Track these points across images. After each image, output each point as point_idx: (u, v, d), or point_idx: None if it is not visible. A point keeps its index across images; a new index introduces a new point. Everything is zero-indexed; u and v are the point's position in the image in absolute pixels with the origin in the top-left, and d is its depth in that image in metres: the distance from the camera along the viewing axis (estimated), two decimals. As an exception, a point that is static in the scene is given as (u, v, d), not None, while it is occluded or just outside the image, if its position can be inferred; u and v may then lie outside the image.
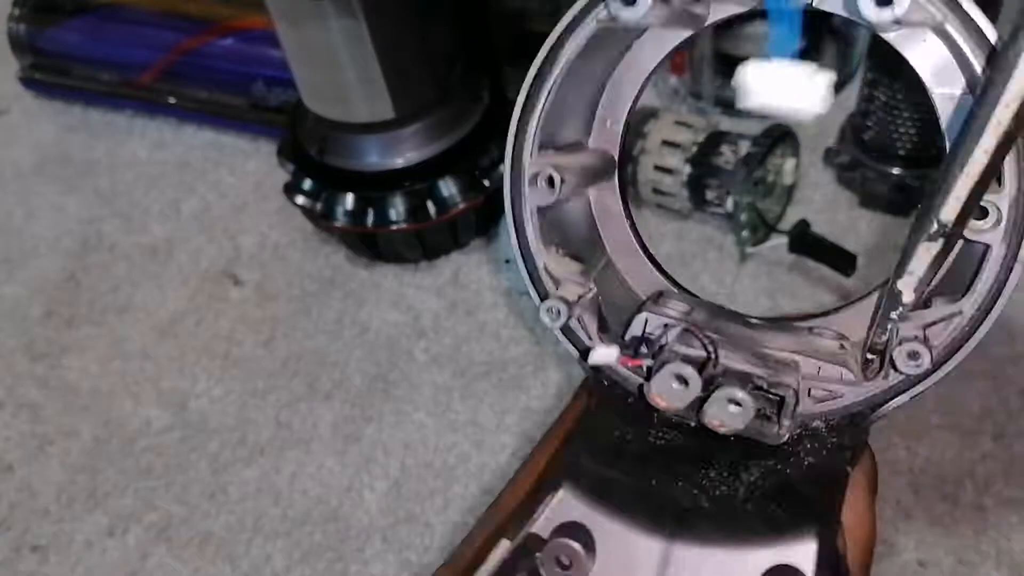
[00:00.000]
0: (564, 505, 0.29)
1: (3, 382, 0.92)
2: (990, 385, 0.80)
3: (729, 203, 0.90)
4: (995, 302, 0.31)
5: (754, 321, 0.37)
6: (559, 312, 0.35)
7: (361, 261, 0.97)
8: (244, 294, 0.97)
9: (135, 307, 0.97)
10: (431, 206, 0.89)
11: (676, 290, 0.39)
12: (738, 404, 0.32)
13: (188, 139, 1.14)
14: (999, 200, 0.30)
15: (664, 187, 0.94)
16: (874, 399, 0.33)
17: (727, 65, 1.06)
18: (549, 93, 0.35)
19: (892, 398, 0.33)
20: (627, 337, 0.36)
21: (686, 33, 0.36)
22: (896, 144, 0.89)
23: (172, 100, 1.12)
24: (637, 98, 0.38)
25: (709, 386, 0.32)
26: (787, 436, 0.33)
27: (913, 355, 0.32)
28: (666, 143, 0.93)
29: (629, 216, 0.39)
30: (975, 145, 0.26)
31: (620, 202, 0.39)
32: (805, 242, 0.88)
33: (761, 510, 0.30)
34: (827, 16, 0.30)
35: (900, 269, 0.30)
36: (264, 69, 1.05)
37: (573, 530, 0.29)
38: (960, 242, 0.31)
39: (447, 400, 0.85)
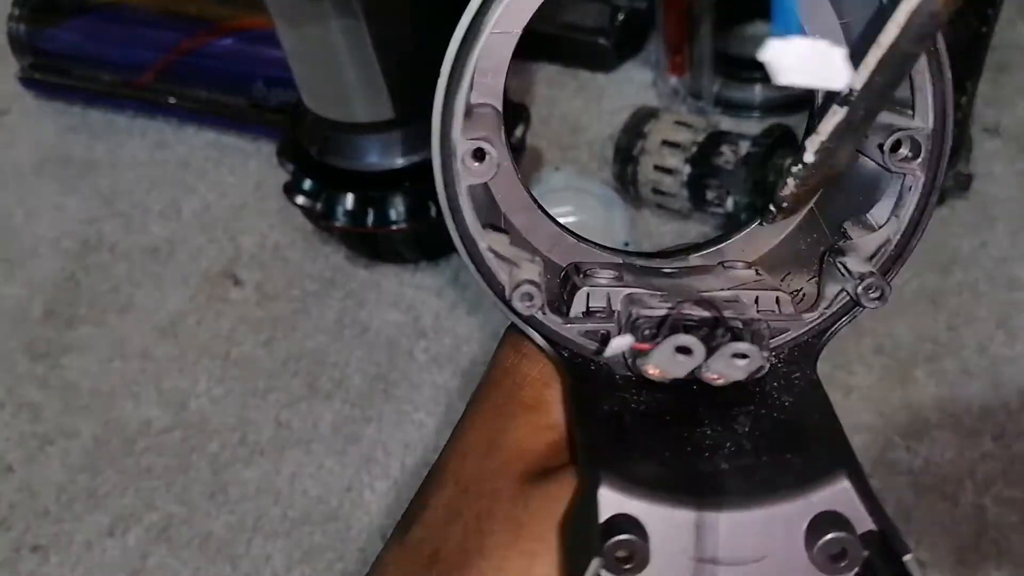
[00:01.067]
0: (606, 502, 0.28)
1: (3, 382, 0.92)
2: (990, 385, 0.80)
3: (729, 203, 0.90)
4: (917, 227, 0.34)
5: (667, 270, 0.37)
6: (532, 296, 0.32)
7: (361, 261, 0.97)
8: (244, 294, 0.97)
9: (135, 307, 0.97)
10: (431, 206, 0.89)
11: (574, 240, 0.37)
12: (744, 356, 0.31)
13: (188, 139, 1.14)
14: (918, 134, 0.33)
15: (664, 187, 0.94)
16: (819, 327, 0.35)
17: (727, 65, 1.06)
18: (469, 64, 0.33)
19: (834, 324, 0.35)
20: (571, 314, 0.35)
21: None
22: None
23: (172, 100, 1.12)
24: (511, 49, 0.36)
25: (711, 349, 0.31)
26: (767, 366, 0.33)
27: (874, 289, 0.33)
28: (666, 143, 0.93)
29: (518, 171, 0.37)
30: (889, 21, 0.29)
31: (509, 158, 0.36)
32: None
33: (778, 463, 0.30)
34: None
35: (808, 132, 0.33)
36: (264, 69, 1.05)
37: (621, 524, 0.28)
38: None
39: (447, 400, 0.85)
